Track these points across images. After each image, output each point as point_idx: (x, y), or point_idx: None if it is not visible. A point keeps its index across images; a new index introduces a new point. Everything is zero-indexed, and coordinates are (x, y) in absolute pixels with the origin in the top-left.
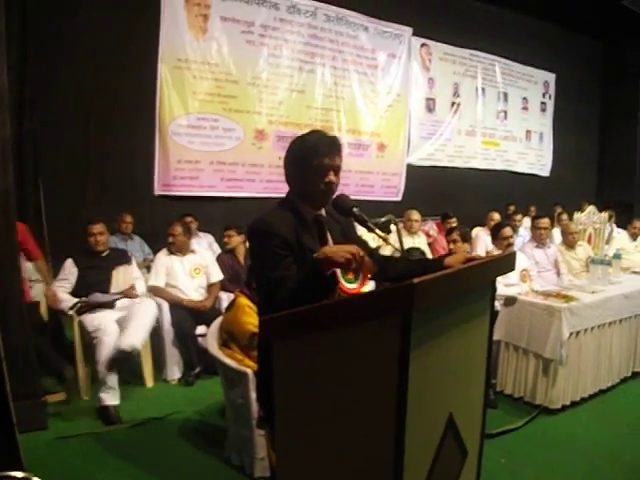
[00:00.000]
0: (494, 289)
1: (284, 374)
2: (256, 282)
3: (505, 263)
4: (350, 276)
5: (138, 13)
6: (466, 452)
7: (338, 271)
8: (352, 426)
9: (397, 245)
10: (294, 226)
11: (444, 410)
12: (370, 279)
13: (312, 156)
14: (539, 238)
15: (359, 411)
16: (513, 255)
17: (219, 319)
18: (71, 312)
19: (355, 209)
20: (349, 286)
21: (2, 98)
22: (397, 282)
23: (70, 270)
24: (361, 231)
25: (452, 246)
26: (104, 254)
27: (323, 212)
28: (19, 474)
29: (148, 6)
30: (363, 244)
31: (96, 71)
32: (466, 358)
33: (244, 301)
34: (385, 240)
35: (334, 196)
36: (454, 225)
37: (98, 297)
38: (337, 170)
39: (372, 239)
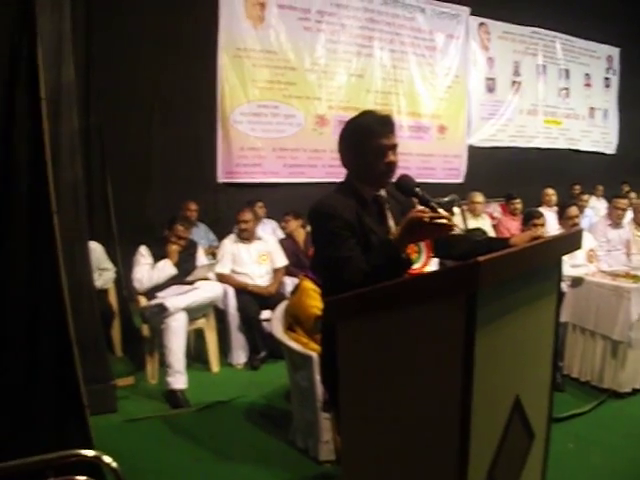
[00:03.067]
0: (560, 269)
1: (348, 355)
2: (320, 264)
3: (571, 241)
4: (412, 256)
5: (197, 5)
6: (533, 435)
7: None
8: (417, 408)
9: (461, 225)
10: (355, 208)
11: (510, 392)
12: (432, 257)
13: (368, 138)
14: (617, 218)
15: (424, 393)
16: (579, 233)
17: (284, 303)
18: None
19: (417, 189)
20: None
21: (70, 93)
22: (461, 261)
23: (148, 255)
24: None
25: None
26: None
27: (383, 192)
28: (90, 452)
29: None
30: None
31: (158, 63)
32: (532, 339)
33: (309, 285)
34: (448, 219)
35: (396, 176)
36: (518, 206)
37: (170, 292)
38: (394, 149)
39: None
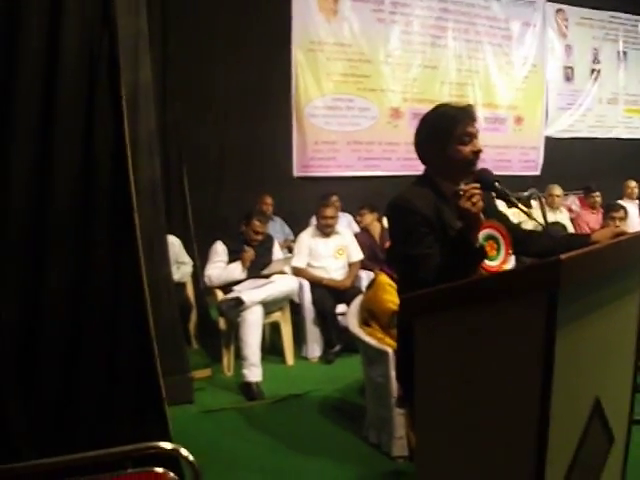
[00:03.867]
0: None
1: (425, 353)
2: (396, 260)
3: None
4: (491, 253)
5: (270, 2)
6: (613, 439)
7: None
8: (494, 407)
9: (541, 220)
10: (434, 203)
11: (590, 394)
12: (511, 255)
13: (453, 126)
14: None
15: (501, 392)
16: None
17: (359, 298)
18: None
19: (497, 183)
20: (490, 263)
21: (147, 93)
22: (540, 258)
23: (223, 252)
24: (501, 206)
25: (613, 224)
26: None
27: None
28: (168, 445)
29: None
30: (504, 219)
31: (232, 60)
32: (614, 339)
33: (385, 279)
34: (528, 215)
35: (476, 170)
36: (598, 199)
37: (247, 285)
38: (477, 137)
39: (512, 214)
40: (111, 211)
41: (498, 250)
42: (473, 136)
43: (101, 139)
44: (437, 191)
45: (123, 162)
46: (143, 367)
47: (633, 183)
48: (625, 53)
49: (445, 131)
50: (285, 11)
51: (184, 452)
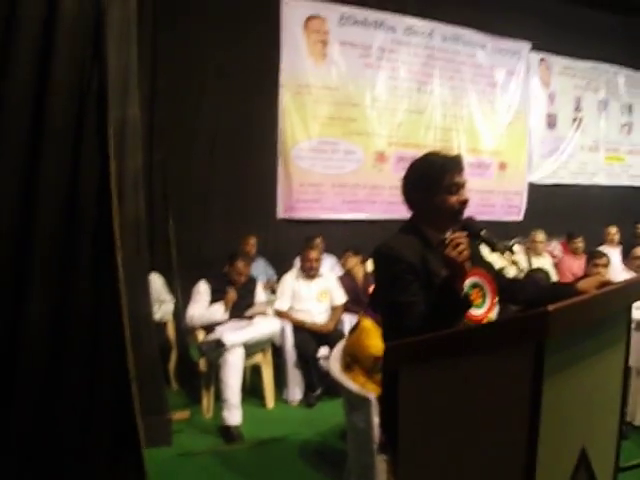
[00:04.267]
0: (630, 315)
1: (409, 400)
2: (381, 307)
3: None
4: (477, 301)
5: (260, 42)
6: None
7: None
8: (479, 457)
9: (524, 265)
10: (420, 251)
11: (577, 444)
12: (497, 303)
13: (442, 176)
14: None
15: (487, 442)
16: None
17: (342, 342)
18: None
19: (483, 232)
20: (476, 312)
21: (135, 129)
22: (526, 306)
23: (206, 292)
24: (484, 252)
25: (595, 271)
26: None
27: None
28: None
29: (268, 37)
30: (490, 267)
31: (221, 100)
32: (601, 388)
33: (368, 324)
34: (515, 263)
35: (462, 218)
36: (580, 244)
37: (228, 327)
38: (465, 188)
39: (493, 261)
40: (94, 246)
41: (484, 298)
42: (460, 186)
43: (87, 174)
44: (423, 239)
45: (108, 198)
46: (121, 407)
47: (614, 229)
48: (606, 102)
49: (433, 180)
50: (274, 53)
51: None
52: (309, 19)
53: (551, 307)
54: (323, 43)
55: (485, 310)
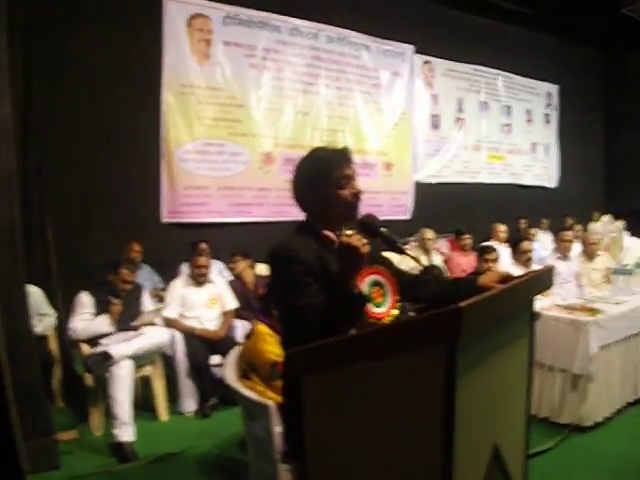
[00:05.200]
0: (531, 309)
1: (315, 409)
2: (279, 311)
3: (545, 279)
4: (377, 300)
5: (140, 41)
6: None
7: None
8: (394, 461)
9: (424, 263)
10: (317, 251)
11: (489, 440)
12: (398, 300)
13: (330, 170)
14: (564, 250)
15: (401, 446)
16: (551, 270)
17: (236, 349)
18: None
19: (382, 229)
20: (377, 310)
21: (6, 130)
22: (430, 303)
23: (89, 303)
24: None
25: (486, 266)
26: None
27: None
28: None
29: (150, 34)
30: (389, 264)
31: (100, 100)
32: (509, 383)
33: (264, 329)
34: (417, 260)
35: (360, 216)
36: (468, 241)
37: (115, 338)
38: (355, 179)
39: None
40: None
41: (385, 296)
42: (351, 178)
43: None
44: (319, 239)
45: None
46: None
47: (502, 227)
48: (487, 103)
49: (322, 176)
50: (156, 52)
51: None
52: (193, 17)
53: (464, 304)
54: (207, 42)
55: (387, 308)
